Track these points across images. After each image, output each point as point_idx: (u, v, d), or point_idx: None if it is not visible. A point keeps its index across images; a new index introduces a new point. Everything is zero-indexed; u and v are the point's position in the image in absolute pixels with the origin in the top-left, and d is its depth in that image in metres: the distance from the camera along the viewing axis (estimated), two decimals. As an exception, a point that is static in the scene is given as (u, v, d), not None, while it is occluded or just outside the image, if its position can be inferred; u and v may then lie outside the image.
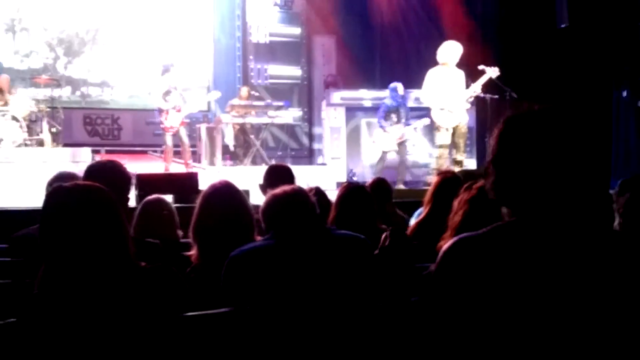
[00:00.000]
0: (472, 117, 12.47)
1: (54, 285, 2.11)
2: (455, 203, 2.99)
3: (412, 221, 4.50)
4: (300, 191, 2.98)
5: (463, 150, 9.13)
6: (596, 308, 1.55)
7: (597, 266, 1.59)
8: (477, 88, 8.97)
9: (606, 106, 11.44)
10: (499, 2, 12.49)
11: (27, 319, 2.09)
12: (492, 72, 8.94)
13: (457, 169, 8.69)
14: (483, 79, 8.99)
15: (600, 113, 11.22)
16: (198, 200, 3.21)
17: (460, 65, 9.13)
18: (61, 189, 2.27)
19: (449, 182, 3.91)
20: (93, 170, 3.48)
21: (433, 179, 4.65)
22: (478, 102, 11.47)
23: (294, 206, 2.87)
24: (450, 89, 8.86)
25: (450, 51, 8.88)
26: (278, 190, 2.99)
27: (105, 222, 2.17)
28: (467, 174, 5.60)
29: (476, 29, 12.57)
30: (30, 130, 10.60)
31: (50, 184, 3.81)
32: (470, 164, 11.27)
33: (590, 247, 1.62)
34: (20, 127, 10.31)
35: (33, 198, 9.29)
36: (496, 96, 9.89)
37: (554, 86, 11.39)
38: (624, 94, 11.34)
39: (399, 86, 10.46)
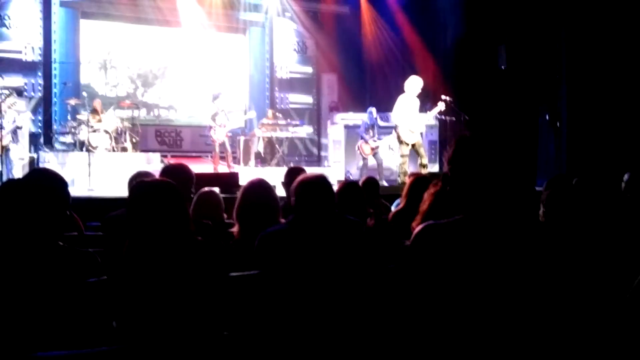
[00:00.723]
0: (436, 133, 12.48)
1: (135, 254, 2.13)
2: (425, 195, 2.99)
3: (393, 208, 4.50)
4: (324, 177, 2.93)
5: (424, 155, 9.07)
6: (519, 276, 1.61)
7: (520, 247, 1.65)
8: (430, 117, 9.03)
9: (534, 125, 11.42)
10: (456, 48, 12.42)
11: (115, 278, 2.10)
12: (441, 105, 9.01)
13: (424, 171, 8.68)
14: (435, 110, 9.05)
15: (529, 130, 11.21)
16: (240, 191, 3.19)
17: (425, 91, 9.12)
18: (143, 183, 2.29)
19: (420, 181, 3.90)
20: (167, 170, 3.50)
21: (407, 179, 4.63)
22: (440, 122, 11.48)
23: (320, 187, 2.81)
24: (412, 113, 8.81)
25: (414, 83, 8.83)
26: (308, 174, 2.96)
27: (173, 207, 2.18)
28: (433, 175, 5.60)
29: (439, 66, 12.57)
30: (117, 141, 10.60)
31: (132, 179, 3.80)
32: (434, 168, 11.28)
33: (516, 233, 1.68)
34: (110, 138, 10.33)
35: (119, 189, 9.35)
36: (453, 118, 9.91)
37: (497, 111, 11.37)
38: (547, 117, 11.33)
39: (373, 110, 10.61)
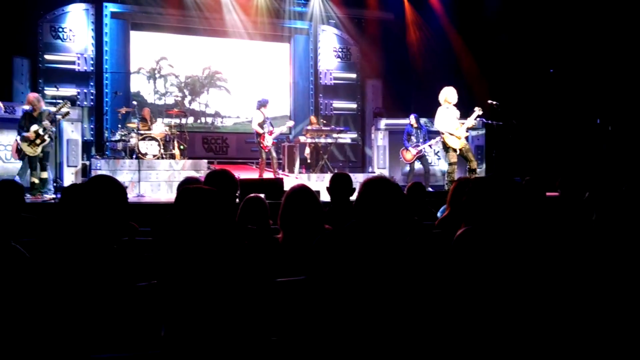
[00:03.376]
0: (483, 138, 12.31)
1: (182, 258, 2.17)
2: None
3: (439, 215, 4.44)
4: (392, 180, 2.76)
5: (473, 159, 8.96)
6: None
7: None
8: (471, 122, 8.91)
9: (587, 129, 11.10)
10: (503, 51, 12.23)
11: (164, 283, 2.14)
12: (479, 110, 8.90)
13: (473, 176, 8.58)
14: (473, 116, 8.92)
15: (582, 134, 10.92)
16: (282, 198, 3.17)
17: (470, 96, 9.04)
18: (185, 190, 2.33)
19: (462, 185, 3.84)
20: (212, 176, 3.51)
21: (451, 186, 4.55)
22: (487, 127, 11.33)
23: (390, 190, 2.62)
24: (453, 120, 8.78)
25: (447, 94, 8.83)
26: (376, 177, 2.87)
27: (217, 213, 2.22)
28: (478, 179, 5.51)
29: (485, 70, 12.38)
30: (165, 147, 10.79)
31: (180, 185, 3.84)
32: (481, 172, 11.13)
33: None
34: (159, 145, 10.54)
35: (168, 194, 9.56)
36: (500, 122, 9.75)
37: (546, 115, 11.15)
38: (598, 120, 11.00)
39: (412, 117, 10.59)
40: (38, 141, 8.41)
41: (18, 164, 9.97)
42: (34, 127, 8.40)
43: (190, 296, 2.06)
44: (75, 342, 2.06)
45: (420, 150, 10.46)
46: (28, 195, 7.89)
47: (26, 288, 2.20)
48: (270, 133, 10.22)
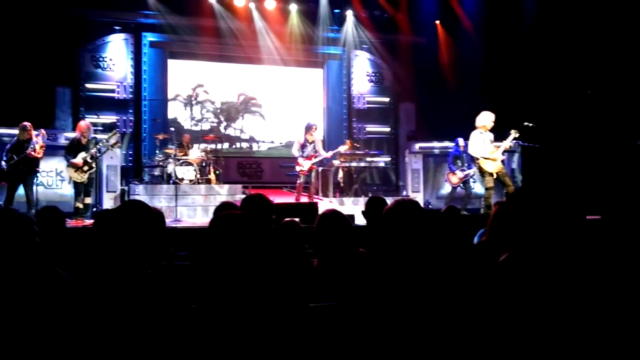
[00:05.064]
0: (519, 160, 12.14)
1: (218, 283, 2.18)
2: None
3: (475, 239, 4.37)
4: (416, 203, 2.80)
5: (510, 184, 8.82)
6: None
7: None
8: (506, 145, 8.79)
9: (629, 151, 10.84)
10: (538, 72, 12.11)
11: (201, 307, 2.15)
12: (514, 133, 8.77)
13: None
14: (509, 140, 8.80)
15: (622, 156, 10.69)
16: (315, 223, 3.16)
17: (500, 120, 8.92)
18: (218, 217, 2.35)
19: (503, 210, 3.77)
20: (248, 200, 3.54)
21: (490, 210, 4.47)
22: (523, 149, 11.18)
23: (417, 211, 2.66)
24: (487, 145, 8.69)
25: (485, 119, 8.73)
26: (403, 200, 2.84)
27: (251, 237, 2.23)
28: (512, 203, 5.39)
29: (519, 92, 12.25)
30: (201, 172, 10.95)
31: (216, 210, 3.87)
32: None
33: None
34: (195, 170, 10.70)
35: (203, 218, 9.67)
36: (537, 145, 9.62)
37: (583, 137, 10.96)
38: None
39: (460, 140, 10.40)
40: (85, 168, 8.66)
41: (59, 190, 10.25)
42: (82, 155, 8.65)
43: (227, 320, 2.07)
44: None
45: (467, 174, 10.35)
46: (69, 220, 8.08)
47: (68, 312, 2.25)
48: (310, 158, 10.18)
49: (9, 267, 2.45)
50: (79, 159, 8.62)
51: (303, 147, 10.17)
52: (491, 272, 2.26)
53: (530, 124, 9.15)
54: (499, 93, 12.06)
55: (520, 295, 1.60)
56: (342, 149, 10.70)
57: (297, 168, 10.20)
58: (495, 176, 8.66)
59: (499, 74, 12.76)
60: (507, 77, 12.59)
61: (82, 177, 8.67)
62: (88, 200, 8.84)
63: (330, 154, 10.61)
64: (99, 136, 9.29)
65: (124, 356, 2.11)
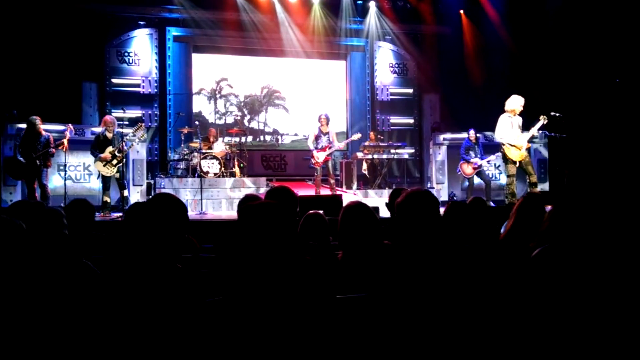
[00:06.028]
0: (545, 151, 11.97)
1: (247, 274, 2.18)
2: (546, 215, 2.77)
3: (502, 230, 4.32)
4: (428, 192, 2.74)
5: (533, 173, 8.62)
6: None
7: None
8: (533, 132, 8.60)
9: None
10: (565, 61, 11.89)
11: (228, 299, 2.16)
12: (543, 119, 8.57)
13: (535, 190, 8.33)
14: (537, 126, 8.58)
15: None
16: (339, 215, 3.13)
17: (531, 108, 8.74)
18: (251, 206, 2.36)
19: (530, 199, 3.71)
20: (272, 192, 3.53)
21: (515, 200, 4.41)
22: (550, 139, 11.00)
23: (428, 200, 2.63)
24: (514, 131, 8.49)
25: (515, 102, 8.53)
26: (416, 189, 2.82)
27: (280, 227, 2.23)
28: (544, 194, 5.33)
29: (546, 81, 12.04)
30: (226, 165, 11.02)
31: (241, 202, 3.88)
32: (545, 187, 10.80)
33: None
34: (219, 163, 10.76)
35: (228, 211, 9.73)
36: (564, 135, 9.45)
37: (612, 126, 10.73)
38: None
39: (471, 131, 10.58)
40: (114, 161, 8.75)
41: (87, 184, 10.40)
42: (109, 149, 8.76)
43: (255, 311, 2.07)
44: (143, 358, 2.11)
45: (480, 165, 10.34)
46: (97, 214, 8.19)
47: (96, 304, 2.28)
48: (324, 149, 10.16)
49: (40, 259, 2.49)
50: (106, 153, 8.72)
51: (318, 138, 10.15)
52: (522, 264, 2.23)
53: (558, 114, 8.96)
54: (525, 83, 11.86)
55: (561, 288, 1.57)
56: (356, 137, 10.67)
57: (313, 160, 10.18)
58: (517, 164, 8.48)
59: (525, 63, 12.56)
60: (533, 66, 12.39)
61: (112, 171, 8.77)
62: (125, 192, 8.94)
63: (343, 144, 10.58)
64: (125, 130, 9.39)
65: (152, 348, 2.13)
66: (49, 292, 2.37)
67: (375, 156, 11.77)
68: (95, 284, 2.46)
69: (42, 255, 2.54)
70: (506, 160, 8.54)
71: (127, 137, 8.99)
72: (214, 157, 10.76)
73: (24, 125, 8.85)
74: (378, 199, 9.83)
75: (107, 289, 2.28)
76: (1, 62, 10.09)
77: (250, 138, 14.06)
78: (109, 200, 8.84)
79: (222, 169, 10.76)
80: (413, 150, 13.38)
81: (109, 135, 8.84)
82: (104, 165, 8.75)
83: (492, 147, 10.33)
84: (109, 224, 7.26)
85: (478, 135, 10.74)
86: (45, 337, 2.24)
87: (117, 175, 8.82)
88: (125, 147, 8.87)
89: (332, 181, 10.23)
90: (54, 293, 2.37)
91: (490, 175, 10.99)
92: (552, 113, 8.96)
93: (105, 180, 8.86)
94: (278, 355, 2.05)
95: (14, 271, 2.33)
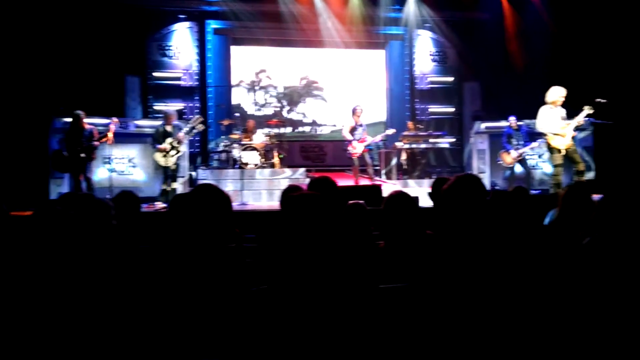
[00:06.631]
0: (590, 139, 11.65)
1: (290, 263, 2.20)
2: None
3: (547, 220, 4.25)
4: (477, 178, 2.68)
5: (580, 161, 8.41)
6: None
7: None
8: (578, 122, 8.36)
9: None
10: (609, 48, 11.53)
11: (274, 288, 2.19)
12: (587, 110, 8.34)
13: (582, 179, 8.13)
14: (581, 116, 8.35)
15: None
16: (382, 205, 3.14)
17: (569, 97, 8.51)
18: (293, 196, 2.38)
19: (576, 187, 3.64)
20: (314, 183, 3.57)
21: (560, 191, 4.30)
22: (596, 127, 10.72)
23: (478, 185, 2.58)
24: (557, 120, 8.30)
25: (555, 94, 8.34)
26: (464, 174, 2.78)
27: (322, 218, 2.24)
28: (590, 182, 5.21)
29: (590, 68, 11.69)
30: (265, 157, 11.12)
31: (284, 193, 3.91)
32: (590, 175, 10.54)
33: None
34: (259, 154, 10.87)
35: (268, 202, 9.82)
36: (610, 122, 9.19)
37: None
38: None
39: (512, 118, 10.41)
40: (173, 152, 9.06)
41: (130, 176, 10.66)
42: (169, 140, 9.11)
43: (299, 301, 2.10)
44: (190, 348, 2.16)
45: (522, 153, 10.14)
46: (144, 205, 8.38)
47: (143, 292, 2.34)
48: (362, 141, 10.16)
49: (89, 249, 2.58)
50: (166, 144, 9.06)
51: (354, 130, 10.17)
52: (571, 254, 2.19)
53: (603, 100, 8.70)
54: (568, 69, 11.55)
55: (612, 277, 1.54)
56: (390, 132, 10.64)
57: (351, 150, 10.18)
58: (564, 153, 8.29)
59: (568, 48, 12.22)
60: (577, 52, 12.04)
61: (170, 162, 9.13)
62: (175, 185, 9.22)
63: (378, 137, 10.57)
64: (181, 122, 9.72)
65: (198, 337, 2.18)
66: (99, 280, 2.45)
67: (415, 146, 11.68)
68: (142, 274, 2.52)
69: (92, 245, 2.62)
70: (551, 150, 8.35)
71: (187, 128, 9.37)
72: (254, 149, 10.87)
73: (70, 119, 9.10)
74: (418, 189, 9.77)
75: (156, 277, 2.34)
76: (48, 59, 10.38)
77: (289, 129, 14.12)
78: (168, 189, 9.18)
79: (262, 160, 10.85)
80: (454, 140, 13.21)
81: (169, 128, 9.13)
82: (163, 156, 9.05)
83: (537, 134, 10.10)
84: (154, 215, 7.42)
85: (519, 123, 10.52)
86: (94, 325, 2.32)
87: (174, 167, 9.09)
88: (186, 136, 9.27)
89: (371, 171, 10.24)
90: (103, 281, 2.44)
91: (533, 165, 10.75)
92: (597, 100, 8.70)
93: (165, 170, 9.27)
94: (321, 343, 2.07)
95: (69, 260, 2.41)
